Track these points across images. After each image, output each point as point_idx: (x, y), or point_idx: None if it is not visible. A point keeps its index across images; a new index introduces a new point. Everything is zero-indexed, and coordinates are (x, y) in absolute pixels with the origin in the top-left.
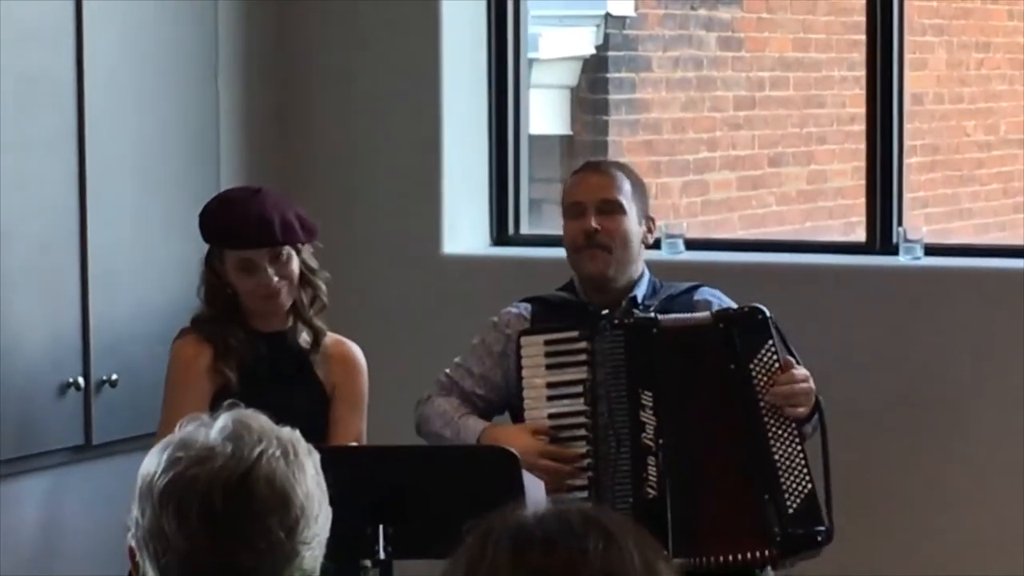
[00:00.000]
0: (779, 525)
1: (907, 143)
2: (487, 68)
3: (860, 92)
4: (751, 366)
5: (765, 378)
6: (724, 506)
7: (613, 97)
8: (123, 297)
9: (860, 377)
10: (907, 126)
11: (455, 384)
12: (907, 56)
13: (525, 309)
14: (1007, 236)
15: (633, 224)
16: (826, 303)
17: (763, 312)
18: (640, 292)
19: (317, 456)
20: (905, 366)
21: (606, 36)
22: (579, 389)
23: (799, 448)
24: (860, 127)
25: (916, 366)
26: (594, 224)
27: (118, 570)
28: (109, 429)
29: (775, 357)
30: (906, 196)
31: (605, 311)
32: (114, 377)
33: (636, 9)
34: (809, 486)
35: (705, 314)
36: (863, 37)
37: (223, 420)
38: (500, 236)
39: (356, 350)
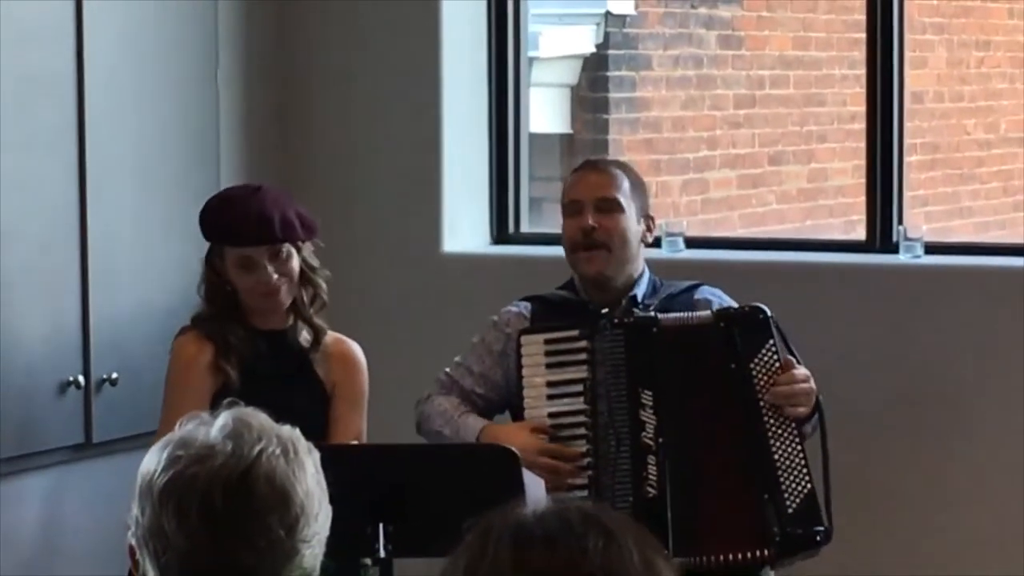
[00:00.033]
0: (778, 525)
1: (907, 141)
2: (487, 67)
3: (860, 90)
4: (752, 365)
5: (766, 378)
6: (724, 505)
7: (613, 95)
8: (123, 296)
9: (860, 375)
10: (907, 124)
11: (455, 383)
12: (907, 54)
13: (525, 308)
14: (1007, 234)
15: (631, 222)
16: (826, 301)
17: (764, 311)
18: (640, 291)
19: (317, 454)
20: (905, 365)
21: (606, 34)
22: (579, 388)
23: (799, 448)
24: (860, 125)
25: (916, 365)
26: (591, 222)
27: (118, 568)
28: (109, 428)
29: (776, 357)
30: (906, 194)
31: (605, 310)
32: (114, 376)
33: (636, 7)
34: (808, 486)
35: (706, 313)
36: (863, 35)
37: (223, 418)
38: (500, 235)
39: (356, 349)
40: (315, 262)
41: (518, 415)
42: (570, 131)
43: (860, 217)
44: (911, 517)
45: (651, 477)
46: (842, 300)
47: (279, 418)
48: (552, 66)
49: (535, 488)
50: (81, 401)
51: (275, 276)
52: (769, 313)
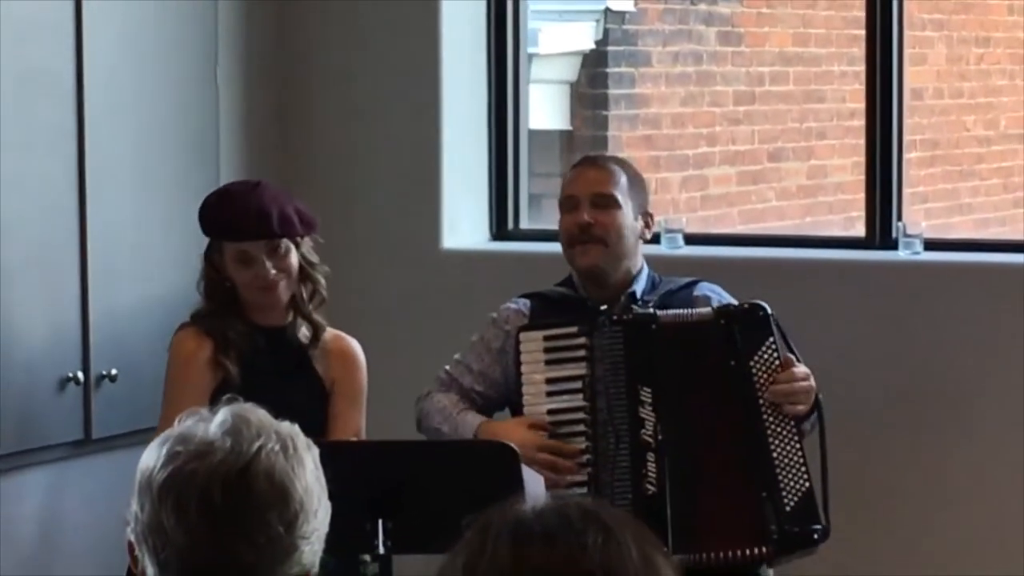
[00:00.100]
0: (776, 523)
1: (907, 138)
2: (487, 63)
3: (860, 87)
4: (751, 363)
5: (765, 375)
6: (723, 503)
7: (613, 92)
8: (123, 293)
9: (860, 373)
10: (907, 121)
11: (454, 380)
12: (907, 51)
13: (524, 305)
14: (1007, 231)
15: (628, 219)
16: (825, 298)
17: (764, 309)
18: (639, 287)
19: (316, 451)
20: (905, 362)
21: (606, 31)
22: (578, 385)
23: (798, 446)
24: (860, 122)
25: (916, 362)
26: (587, 218)
27: (118, 564)
28: (109, 424)
29: (776, 354)
30: (906, 191)
31: (604, 307)
32: (113, 372)
33: (636, 4)
34: (807, 484)
35: (706, 310)
36: (863, 32)
37: (222, 415)
38: (500, 231)
39: (355, 345)
40: (314, 258)
41: (518, 412)
42: (570, 127)
43: (860, 214)
44: (911, 515)
45: (650, 474)
46: (841, 297)
47: (278, 414)
48: (552, 63)
49: (534, 484)
50: (81, 397)
51: (273, 271)
52: (769, 310)
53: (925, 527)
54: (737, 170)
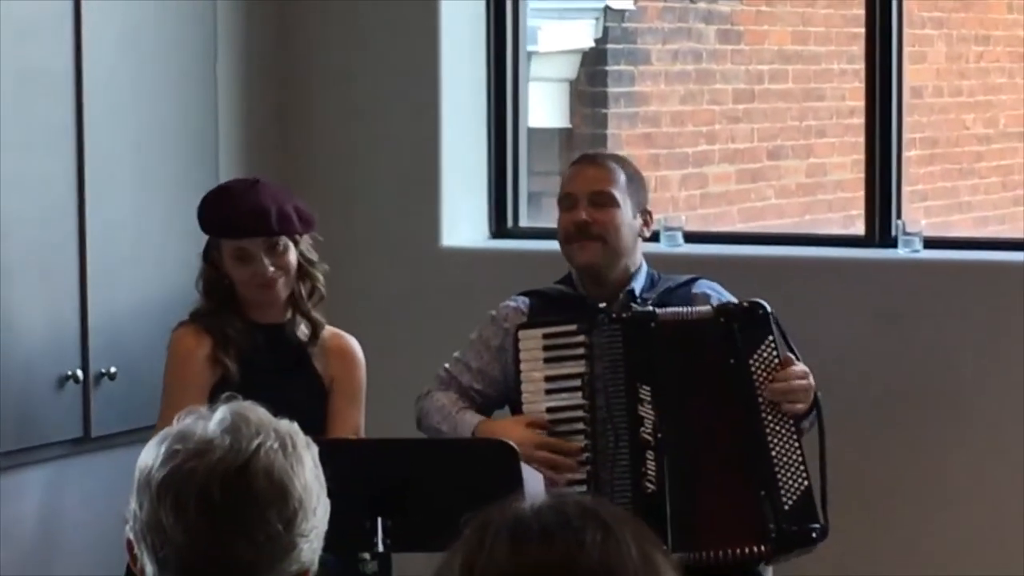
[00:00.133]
0: (774, 522)
1: (906, 136)
2: (486, 62)
3: (859, 85)
4: (750, 361)
5: (764, 374)
6: (721, 501)
7: (612, 90)
8: (122, 291)
9: (858, 370)
10: (906, 119)
11: (453, 379)
12: (906, 49)
13: (523, 303)
14: (1006, 229)
15: (626, 217)
16: (824, 296)
17: (764, 307)
18: (638, 285)
19: (315, 449)
20: (904, 359)
21: (605, 29)
22: (577, 383)
23: (796, 445)
24: (859, 120)
25: (915, 359)
26: (585, 216)
27: (117, 563)
28: (108, 422)
29: (775, 352)
30: (905, 189)
31: (603, 304)
32: (113, 370)
33: (635, 2)
34: (805, 483)
35: (705, 308)
36: (862, 30)
37: (221, 412)
38: (499, 229)
39: (354, 343)
40: (313, 256)
41: (517, 410)
42: (569, 126)
43: (859, 212)
44: (910, 513)
45: (650, 473)
46: (841, 295)
47: (277, 412)
48: (551, 61)
49: (534, 483)
50: (80, 395)
51: (271, 269)
52: (769, 309)
53: (924, 525)
54: (736, 168)
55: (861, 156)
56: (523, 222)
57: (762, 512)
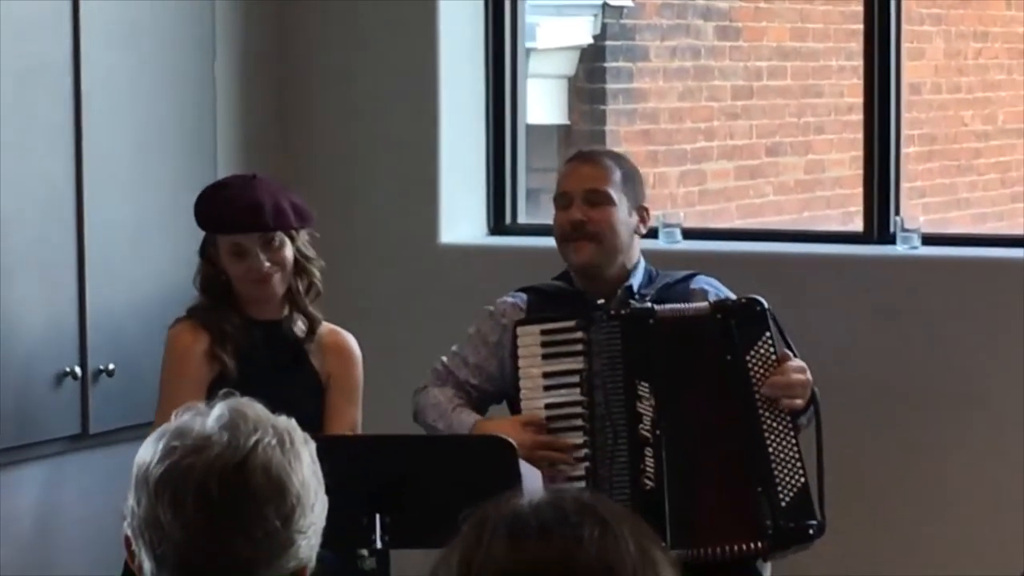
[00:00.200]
0: (771, 518)
1: (905, 133)
2: (485, 59)
3: (858, 82)
4: (748, 357)
5: (762, 370)
6: (720, 498)
7: (611, 86)
8: (120, 287)
9: (856, 367)
10: (905, 116)
11: (450, 373)
12: (905, 46)
13: (521, 299)
14: (1004, 226)
15: (622, 214)
16: (823, 293)
17: (761, 303)
18: (636, 281)
19: (313, 445)
20: (902, 356)
21: (604, 25)
22: (575, 379)
23: (793, 441)
24: (858, 117)
25: (913, 356)
26: (579, 215)
27: (115, 559)
28: (106, 418)
29: (772, 349)
30: (903, 186)
31: (601, 301)
32: (111, 367)
33: None
34: (802, 480)
35: (703, 304)
36: (861, 27)
37: (219, 409)
38: (497, 225)
39: (351, 340)
40: (310, 252)
41: (514, 406)
42: (567, 122)
43: (857, 208)
44: (907, 511)
45: (648, 469)
46: (839, 291)
47: (274, 408)
48: (549, 57)
49: (532, 479)
50: (78, 392)
51: (267, 264)
52: (766, 305)
53: (922, 523)
54: (735, 165)
55: (859, 153)
56: (522, 219)
57: (759, 508)
